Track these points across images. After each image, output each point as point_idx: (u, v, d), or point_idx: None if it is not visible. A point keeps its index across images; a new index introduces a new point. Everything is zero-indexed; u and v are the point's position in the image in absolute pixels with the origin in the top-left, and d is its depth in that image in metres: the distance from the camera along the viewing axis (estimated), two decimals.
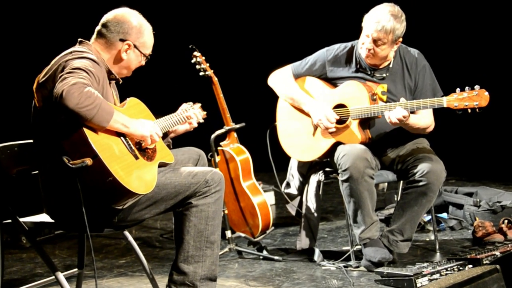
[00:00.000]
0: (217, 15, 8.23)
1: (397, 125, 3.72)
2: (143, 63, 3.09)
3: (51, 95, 2.66)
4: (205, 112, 3.42)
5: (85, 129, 2.64)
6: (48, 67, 2.83)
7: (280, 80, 4.09)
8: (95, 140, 2.66)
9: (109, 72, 2.98)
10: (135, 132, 2.81)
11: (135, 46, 2.99)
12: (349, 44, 3.99)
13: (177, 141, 3.40)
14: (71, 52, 2.85)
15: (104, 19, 3.01)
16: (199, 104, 3.41)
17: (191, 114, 3.30)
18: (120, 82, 3.09)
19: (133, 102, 3.06)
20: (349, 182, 3.72)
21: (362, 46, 3.82)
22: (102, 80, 2.84)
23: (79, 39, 2.99)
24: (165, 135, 3.25)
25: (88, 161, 2.62)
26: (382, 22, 3.71)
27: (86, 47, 2.94)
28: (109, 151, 2.70)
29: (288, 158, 4.27)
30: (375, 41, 3.75)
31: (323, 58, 4.00)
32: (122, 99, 3.11)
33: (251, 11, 8.17)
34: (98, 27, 3.00)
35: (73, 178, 2.66)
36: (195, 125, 3.36)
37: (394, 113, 3.65)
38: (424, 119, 3.82)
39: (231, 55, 7.95)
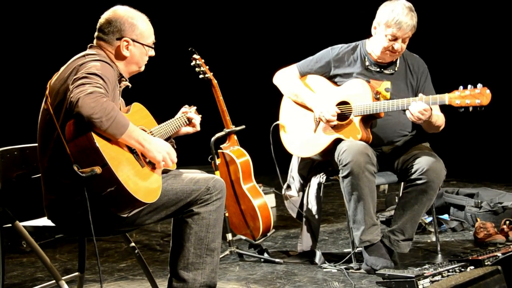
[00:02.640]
0: (217, 17, 8.24)
1: (420, 120, 3.66)
2: (152, 53, 3.06)
3: (63, 98, 2.66)
4: (200, 116, 3.39)
5: (94, 136, 2.60)
6: (60, 71, 2.82)
7: (285, 78, 4.12)
8: (105, 148, 2.62)
9: (120, 75, 2.96)
10: (148, 153, 2.77)
11: (133, 40, 2.97)
12: (352, 44, 4.05)
13: (179, 143, 3.38)
14: (84, 56, 2.85)
15: (98, 24, 3.00)
16: (194, 108, 3.38)
17: (193, 116, 3.29)
18: (130, 87, 3.06)
19: (137, 107, 3.04)
20: (350, 177, 3.70)
21: (389, 49, 3.83)
22: (113, 84, 2.82)
23: (90, 44, 2.99)
24: (168, 138, 3.25)
25: (98, 169, 2.58)
26: (409, 22, 3.77)
27: (96, 51, 2.93)
28: (118, 159, 2.68)
29: (289, 160, 4.26)
30: (404, 40, 3.83)
31: (329, 56, 4.04)
32: (126, 103, 3.10)
33: (250, 14, 8.18)
34: (96, 33, 3.00)
35: (82, 187, 2.62)
36: (198, 128, 3.34)
37: (415, 107, 3.64)
38: (440, 118, 3.84)
39: (231, 58, 7.96)
